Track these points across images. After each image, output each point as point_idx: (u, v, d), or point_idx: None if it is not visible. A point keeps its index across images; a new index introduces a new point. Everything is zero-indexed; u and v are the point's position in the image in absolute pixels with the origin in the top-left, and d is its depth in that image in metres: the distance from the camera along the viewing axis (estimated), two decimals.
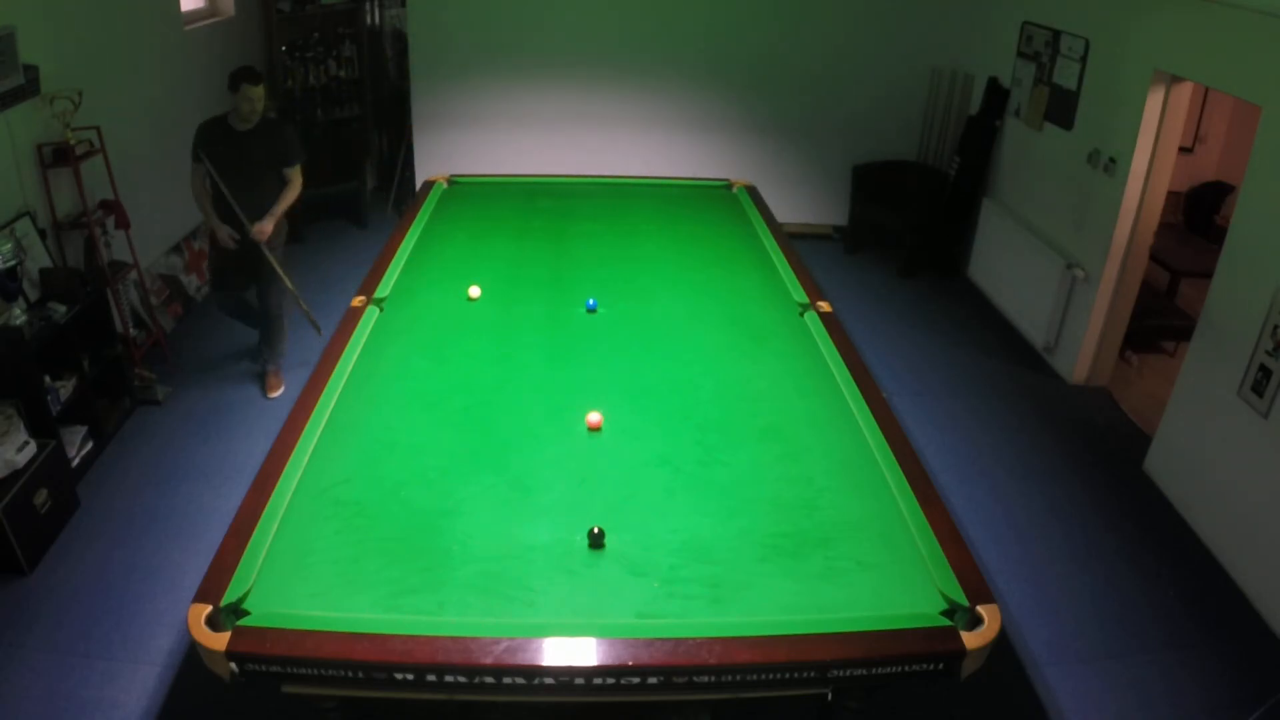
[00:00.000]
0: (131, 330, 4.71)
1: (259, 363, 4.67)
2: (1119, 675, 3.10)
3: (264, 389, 4.53)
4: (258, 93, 3.99)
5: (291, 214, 4.33)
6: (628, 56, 6.41)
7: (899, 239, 6.38)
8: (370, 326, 3.26)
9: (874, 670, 1.96)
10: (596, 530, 2.21)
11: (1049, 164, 5.29)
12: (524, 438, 2.65)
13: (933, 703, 2.93)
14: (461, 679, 1.88)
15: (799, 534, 2.29)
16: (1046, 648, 3.20)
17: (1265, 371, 3.44)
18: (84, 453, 3.90)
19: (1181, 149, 4.79)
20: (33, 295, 3.80)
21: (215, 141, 4.07)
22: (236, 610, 1.97)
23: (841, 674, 1.95)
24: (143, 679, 2.91)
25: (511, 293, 3.60)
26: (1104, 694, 3.03)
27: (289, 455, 2.48)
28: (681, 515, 2.34)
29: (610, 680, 1.89)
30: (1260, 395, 3.46)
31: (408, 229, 4.16)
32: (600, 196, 4.79)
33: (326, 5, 6.77)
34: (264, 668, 1.89)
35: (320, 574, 2.10)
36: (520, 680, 1.89)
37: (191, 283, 5.50)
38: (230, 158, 4.08)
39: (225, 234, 4.15)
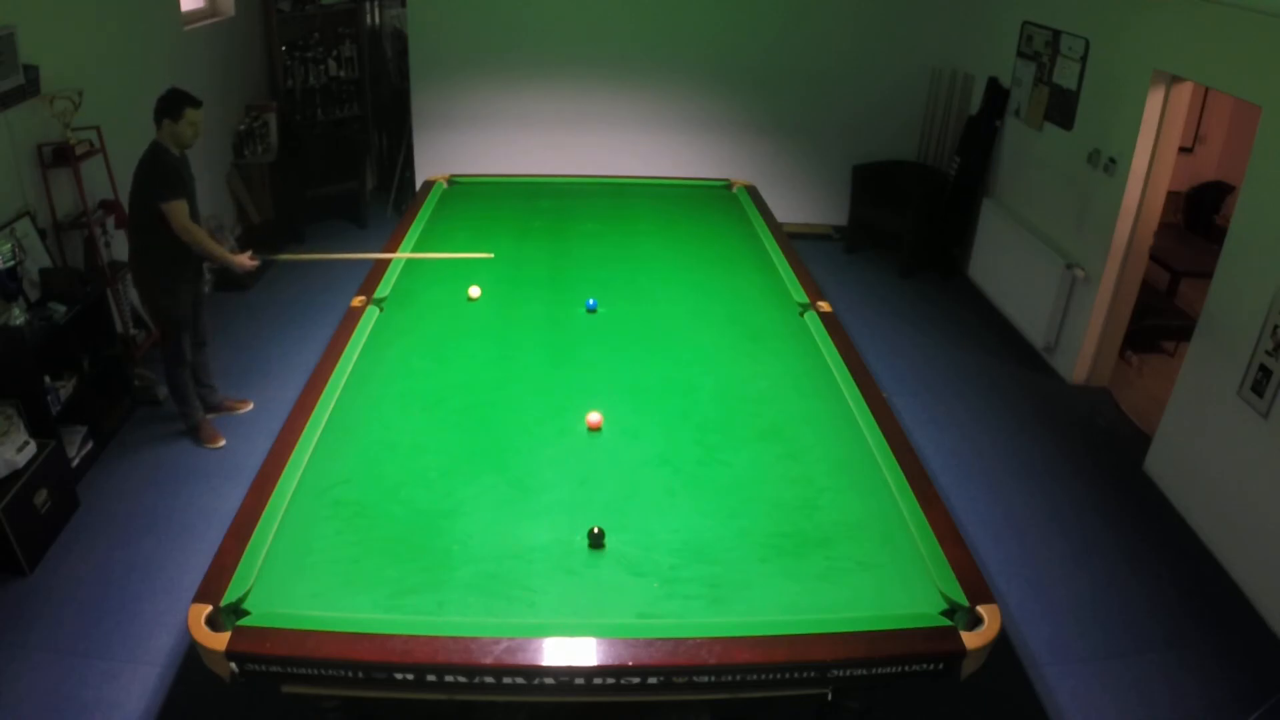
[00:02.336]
0: (131, 330, 4.71)
1: (188, 419, 4.13)
2: (1119, 675, 3.10)
3: (203, 440, 4.12)
4: (201, 115, 3.65)
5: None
6: (628, 56, 6.42)
7: (899, 239, 6.38)
8: (370, 326, 3.26)
9: (874, 670, 1.95)
10: (596, 530, 2.21)
11: (1049, 164, 5.29)
12: (524, 438, 2.65)
13: (933, 703, 2.93)
14: (461, 679, 1.88)
15: (799, 534, 2.29)
16: (1046, 648, 3.20)
17: (1265, 371, 3.44)
18: (84, 453, 3.90)
19: (1181, 149, 4.79)
20: (33, 295, 3.80)
21: (183, 174, 3.67)
22: (236, 610, 1.97)
23: (841, 674, 1.95)
24: (143, 679, 2.91)
25: (511, 293, 3.60)
26: (1104, 694, 3.03)
27: (289, 455, 2.48)
28: (681, 515, 2.34)
29: (610, 680, 1.89)
30: (1260, 395, 3.46)
31: (408, 229, 4.16)
32: (600, 196, 4.79)
33: (326, 5, 6.77)
34: (264, 668, 1.89)
35: (320, 574, 2.10)
36: (520, 680, 1.89)
37: None
38: (190, 188, 3.74)
39: (246, 256, 3.80)
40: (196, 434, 4.13)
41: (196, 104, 3.62)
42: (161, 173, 3.57)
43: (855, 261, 6.58)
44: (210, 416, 4.20)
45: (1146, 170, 4.46)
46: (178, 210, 3.57)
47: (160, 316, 3.89)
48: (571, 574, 2.13)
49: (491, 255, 3.77)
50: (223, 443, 4.12)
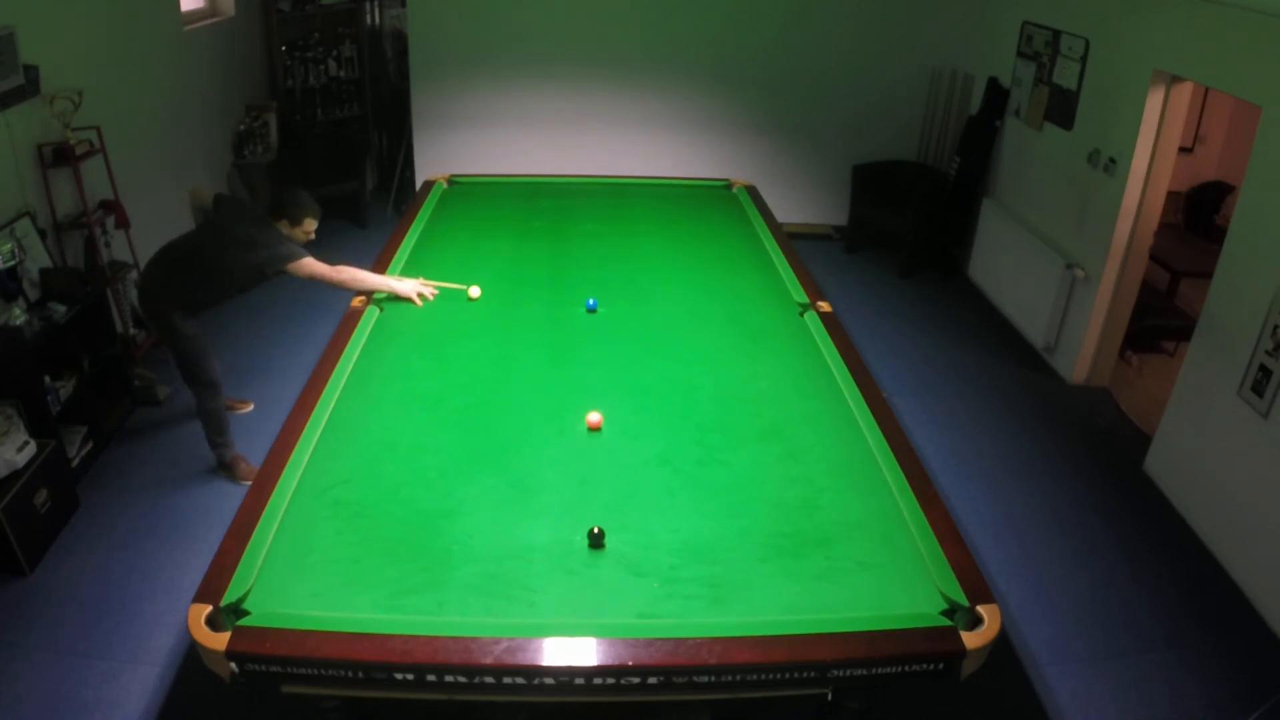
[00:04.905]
0: (131, 330, 4.71)
1: (224, 452, 3.92)
2: (1119, 675, 3.10)
3: (238, 478, 3.89)
4: (316, 225, 3.64)
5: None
6: (628, 56, 6.42)
7: (899, 239, 6.38)
8: (370, 326, 3.26)
9: (874, 670, 1.95)
10: (596, 530, 2.21)
11: (1049, 164, 5.29)
12: (524, 438, 2.65)
13: (933, 703, 2.93)
14: (461, 679, 1.88)
15: (799, 534, 2.29)
16: (1046, 648, 3.20)
17: (1265, 371, 3.44)
18: (84, 453, 3.90)
19: (1181, 149, 4.79)
20: (33, 295, 3.80)
21: None
22: (236, 610, 1.97)
23: (841, 674, 1.95)
24: (143, 679, 2.91)
25: (511, 293, 3.59)
26: (1104, 694, 3.03)
27: (289, 455, 2.48)
28: (681, 515, 2.34)
29: (610, 680, 1.89)
30: (1260, 395, 3.46)
31: (408, 229, 4.15)
32: (600, 196, 4.79)
33: (326, 5, 6.78)
34: (264, 668, 1.89)
35: (320, 574, 2.10)
36: (520, 680, 1.89)
37: None
38: None
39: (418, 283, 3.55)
40: (231, 471, 3.89)
41: (318, 215, 3.63)
42: (281, 241, 3.49)
43: (855, 261, 6.58)
44: None
45: (1146, 170, 4.45)
46: (313, 262, 3.48)
47: (185, 352, 3.65)
48: (571, 574, 2.13)
49: (466, 287, 3.57)
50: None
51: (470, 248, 4.02)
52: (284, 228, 3.54)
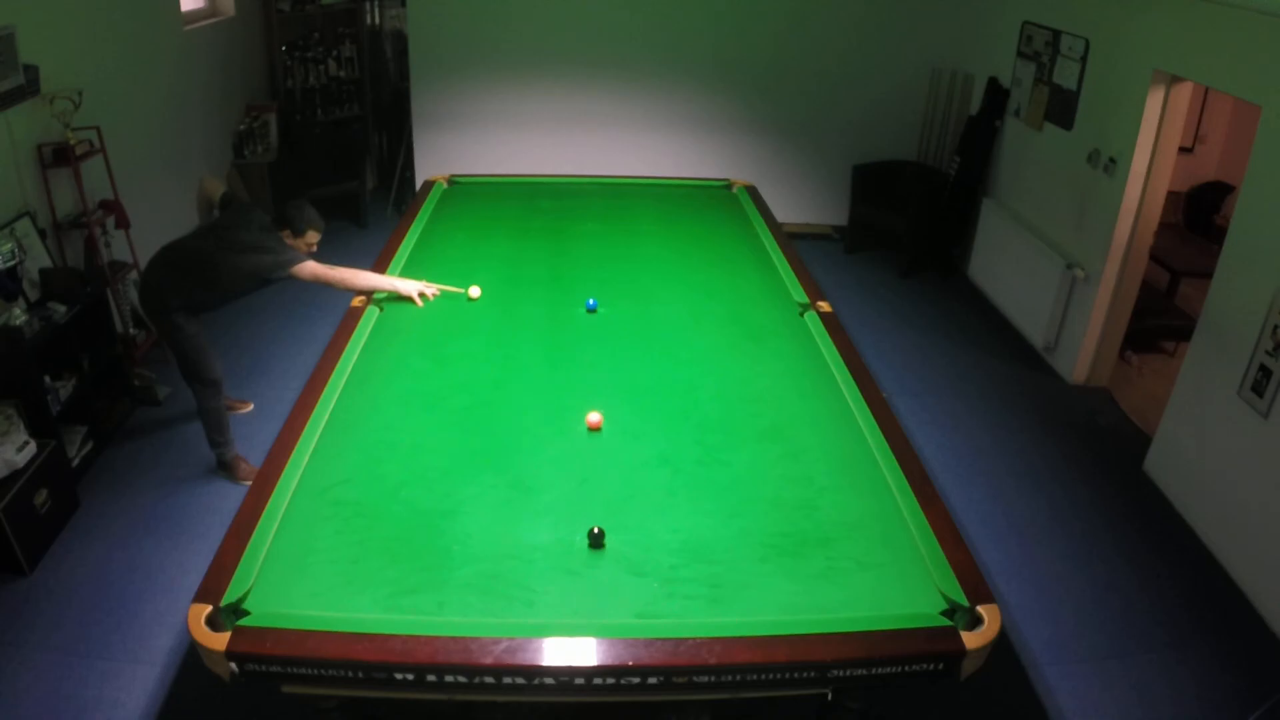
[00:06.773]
0: (131, 330, 4.71)
1: (224, 451, 3.91)
2: (1119, 675, 3.10)
3: (238, 478, 3.90)
4: (319, 237, 3.65)
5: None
6: (628, 56, 6.42)
7: (899, 239, 6.38)
8: (370, 326, 3.26)
9: (874, 670, 1.95)
10: (596, 530, 2.21)
11: (1049, 164, 5.29)
12: (524, 438, 2.65)
13: (933, 703, 2.93)
14: (461, 679, 1.88)
15: (799, 534, 2.29)
16: (1046, 648, 3.20)
17: (1265, 371, 3.44)
18: (84, 453, 3.90)
19: (1181, 149, 4.79)
20: (33, 295, 3.81)
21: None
22: (236, 610, 1.97)
23: (841, 674, 1.95)
24: (143, 679, 2.91)
25: (511, 293, 3.59)
26: (1104, 694, 3.03)
27: (289, 455, 2.48)
28: (681, 515, 2.34)
29: (610, 680, 1.89)
30: (1260, 395, 3.46)
31: (408, 229, 4.16)
32: (600, 196, 4.79)
33: (326, 5, 6.78)
34: (264, 668, 1.89)
35: (320, 574, 2.10)
36: (520, 680, 1.89)
37: None
38: None
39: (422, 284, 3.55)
40: (231, 471, 3.90)
41: (321, 229, 3.64)
42: (283, 248, 3.51)
43: (855, 261, 6.58)
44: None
45: (1146, 170, 4.45)
46: (315, 265, 3.50)
47: (186, 350, 3.66)
48: (571, 574, 2.13)
49: (462, 290, 3.56)
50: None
51: (470, 248, 4.02)
52: (286, 237, 3.56)
